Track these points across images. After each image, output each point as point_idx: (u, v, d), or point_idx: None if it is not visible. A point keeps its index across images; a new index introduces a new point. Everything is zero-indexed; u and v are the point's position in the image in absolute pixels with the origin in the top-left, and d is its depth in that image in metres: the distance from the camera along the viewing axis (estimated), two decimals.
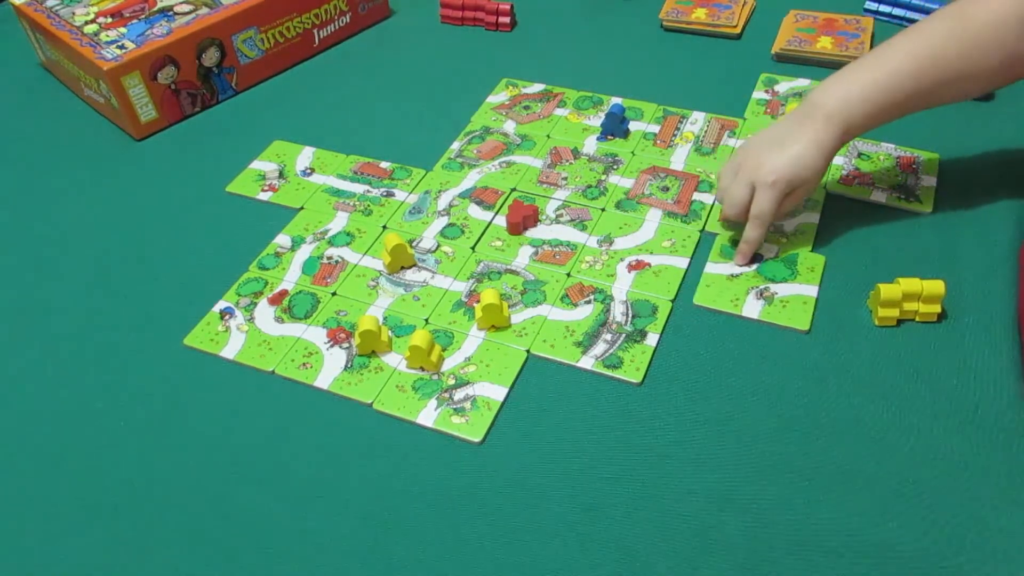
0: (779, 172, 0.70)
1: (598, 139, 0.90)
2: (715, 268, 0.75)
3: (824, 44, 0.98)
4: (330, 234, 0.82)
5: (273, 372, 0.70)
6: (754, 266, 0.75)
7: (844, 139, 0.71)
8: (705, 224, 0.79)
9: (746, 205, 0.72)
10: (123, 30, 0.97)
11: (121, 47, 0.94)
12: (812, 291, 0.72)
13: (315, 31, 1.07)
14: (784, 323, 0.70)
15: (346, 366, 0.70)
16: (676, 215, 0.80)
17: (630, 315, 0.71)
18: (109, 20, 0.99)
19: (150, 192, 0.90)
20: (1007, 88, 0.91)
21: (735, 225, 0.78)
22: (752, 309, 0.71)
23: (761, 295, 0.72)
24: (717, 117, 0.92)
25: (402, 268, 0.78)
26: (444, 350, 0.70)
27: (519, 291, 0.74)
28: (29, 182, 0.93)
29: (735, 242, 0.76)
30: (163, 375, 0.71)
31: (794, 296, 0.72)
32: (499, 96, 0.98)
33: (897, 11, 1.03)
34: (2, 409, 0.70)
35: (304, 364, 0.70)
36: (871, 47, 0.98)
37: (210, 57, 0.99)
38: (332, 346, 0.71)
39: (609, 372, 0.67)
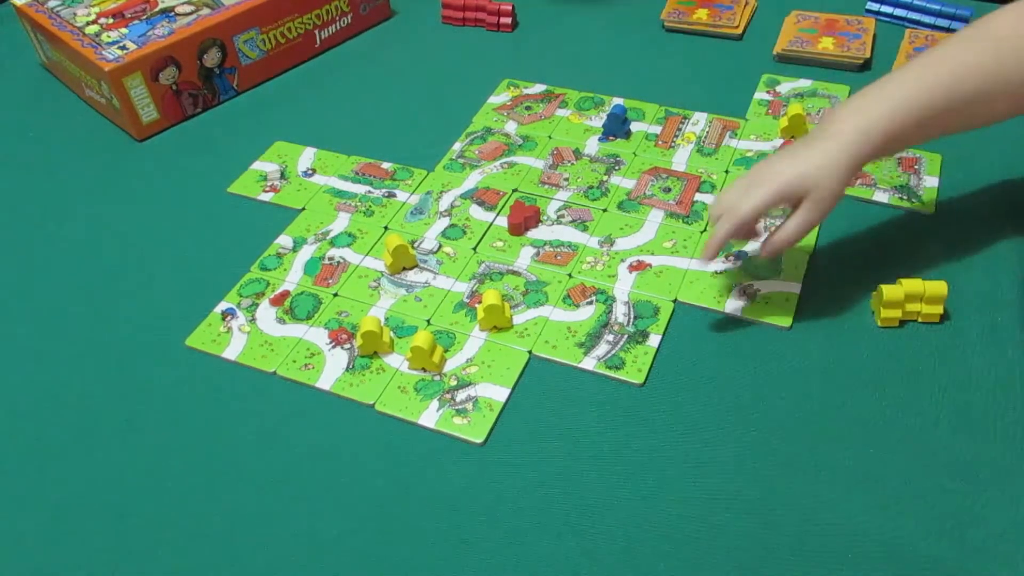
0: (778, 174, 0.64)
1: (600, 140, 0.90)
2: (700, 265, 0.75)
3: (826, 45, 0.98)
4: (332, 235, 0.82)
5: (275, 373, 0.70)
6: (738, 262, 0.75)
7: (859, 161, 0.64)
8: (707, 225, 0.79)
9: (731, 204, 0.66)
10: (124, 31, 0.97)
11: (122, 48, 0.94)
12: (795, 288, 0.72)
13: (316, 32, 1.07)
14: (766, 320, 0.70)
15: (348, 367, 0.70)
16: (678, 216, 0.80)
17: (632, 316, 0.71)
18: (110, 21, 0.99)
19: (151, 193, 0.90)
20: None
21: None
22: (735, 306, 0.71)
23: (744, 292, 0.72)
24: (719, 118, 0.92)
25: (404, 269, 0.78)
26: (446, 351, 0.70)
27: (521, 292, 0.74)
28: (30, 183, 0.93)
29: None
30: (165, 376, 0.71)
31: (776, 293, 0.72)
32: (500, 97, 0.98)
33: (899, 12, 1.03)
34: (3, 409, 0.70)
35: (306, 365, 0.70)
36: (872, 48, 0.98)
37: (211, 58, 0.99)
38: (334, 347, 0.71)
39: (611, 373, 0.67)
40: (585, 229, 0.80)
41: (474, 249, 0.79)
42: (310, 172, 0.90)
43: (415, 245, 0.80)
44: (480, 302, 0.71)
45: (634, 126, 0.92)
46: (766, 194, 0.64)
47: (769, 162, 0.67)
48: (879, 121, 0.64)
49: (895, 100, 0.64)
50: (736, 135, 0.89)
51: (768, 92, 0.95)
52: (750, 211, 0.64)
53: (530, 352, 0.70)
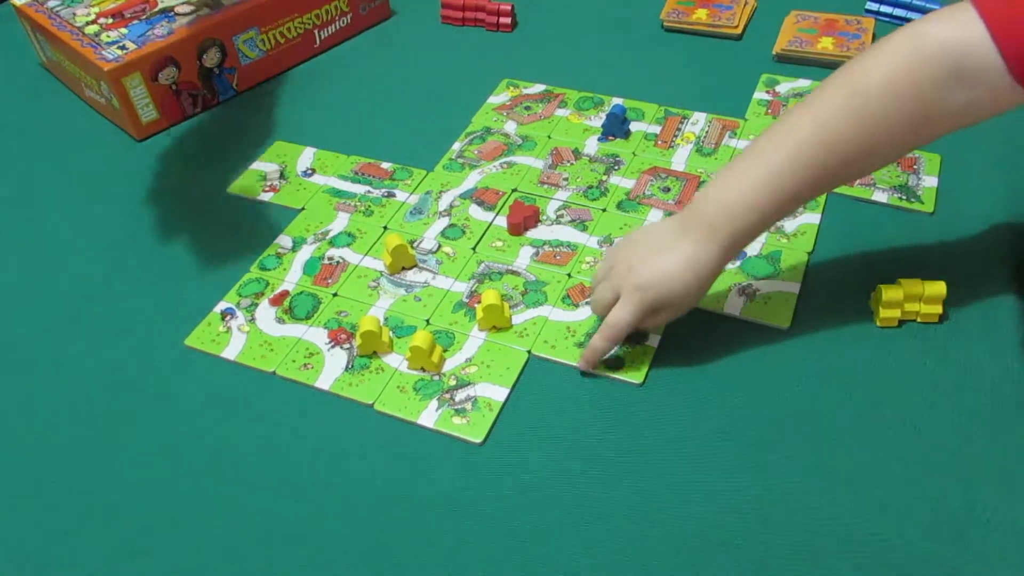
0: (644, 286, 0.63)
1: (599, 140, 0.90)
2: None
3: (825, 45, 0.98)
4: (331, 235, 0.82)
5: (274, 373, 0.70)
6: (737, 263, 0.75)
7: (730, 252, 0.62)
8: None
9: (611, 307, 0.65)
10: (124, 31, 0.97)
11: (122, 48, 0.94)
12: (795, 288, 0.72)
13: (316, 32, 1.07)
14: (765, 320, 0.70)
15: (347, 367, 0.70)
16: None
17: None
18: (110, 21, 0.99)
19: (151, 193, 0.90)
20: None
21: None
22: (734, 306, 0.71)
23: (743, 292, 0.72)
24: (718, 118, 0.92)
25: (403, 269, 0.78)
26: (445, 351, 0.70)
27: (520, 292, 0.74)
28: (30, 183, 0.93)
29: None
30: (164, 376, 0.71)
31: (776, 293, 0.72)
32: (500, 97, 0.98)
33: (898, 12, 1.03)
34: (3, 409, 0.70)
35: (305, 365, 0.70)
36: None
37: (211, 58, 0.99)
38: (333, 347, 0.71)
39: (610, 373, 0.67)
40: (584, 229, 0.80)
41: (473, 249, 0.79)
42: (310, 172, 0.90)
43: (414, 245, 0.80)
44: (479, 302, 0.71)
45: (633, 126, 0.92)
46: (639, 309, 0.63)
47: (633, 252, 0.65)
48: (747, 212, 0.61)
49: (765, 182, 0.60)
50: (736, 135, 0.89)
51: (767, 92, 0.95)
52: (628, 328, 0.64)
53: (529, 352, 0.70)
